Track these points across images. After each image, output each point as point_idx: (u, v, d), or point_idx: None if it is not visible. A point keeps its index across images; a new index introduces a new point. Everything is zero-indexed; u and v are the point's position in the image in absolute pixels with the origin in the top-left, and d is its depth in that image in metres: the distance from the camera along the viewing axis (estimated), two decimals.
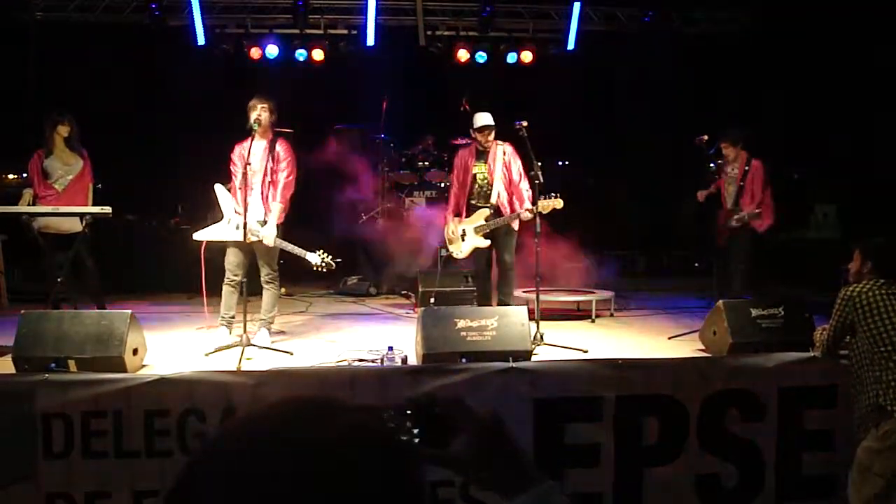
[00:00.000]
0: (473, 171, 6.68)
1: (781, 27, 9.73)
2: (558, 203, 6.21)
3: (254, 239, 5.79)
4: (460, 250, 6.79)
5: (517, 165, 6.54)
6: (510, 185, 6.56)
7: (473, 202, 6.71)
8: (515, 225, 6.54)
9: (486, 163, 6.62)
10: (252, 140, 5.80)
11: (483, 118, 6.59)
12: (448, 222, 6.88)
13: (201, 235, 6.07)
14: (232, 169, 5.99)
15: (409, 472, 0.81)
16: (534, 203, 6.15)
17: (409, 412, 1.07)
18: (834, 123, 9.33)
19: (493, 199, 6.56)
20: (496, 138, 6.61)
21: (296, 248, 5.95)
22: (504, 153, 6.58)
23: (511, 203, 6.54)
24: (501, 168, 6.52)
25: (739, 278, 6.93)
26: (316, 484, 0.73)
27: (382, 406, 0.99)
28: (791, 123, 9.83)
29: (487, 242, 6.57)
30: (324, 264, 5.91)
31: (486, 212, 6.59)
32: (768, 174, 6.94)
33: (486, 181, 6.64)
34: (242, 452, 0.76)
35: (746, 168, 6.92)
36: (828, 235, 9.27)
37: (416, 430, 1.06)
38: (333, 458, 0.75)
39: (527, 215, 6.31)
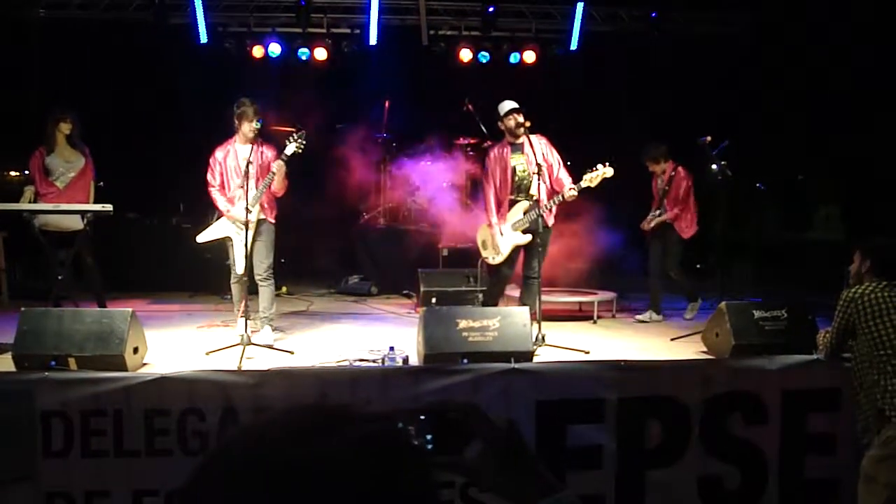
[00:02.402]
0: (513, 164, 6.21)
1: (784, 28, 9.70)
2: (608, 171, 5.85)
3: (260, 217, 5.85)
4: (498, 253, 6.26)
5: (556, 157, 6.17)
6: (552, 178, 6.11)
7: (513, 197, 6.26)
8: (550, 221, 6.15)
9: (523, 153, 6.16)
10: (235, 142, 5.96)
11: (508, 103, 6.19)
12: (492, 226, 6.28)
13: (204, 236, 6.07)
14: (217, 170, 6.01)
15: (423, 483, 0.79)
16: (577, 182, 5.90)
17: (422, 418, 1.05)
18: (835, 124, 9.30)
19: (534, 191, 6.03)
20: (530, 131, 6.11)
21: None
22: (541, 143, 6.14)
23: (551, 195, 6.10)
24: (541, 158, 5.95)
25: (679, 284, 7.37)
26: (328, 494, 0.72)
27: (395, 412, 0.97)
28: (793, 124, 9.79)
29: (528, 238, 6.08)
30: (301, 142, 5.76)
31: (525, 205, 6.15)
32: (692, 183, 7.22)
33: (526, 173, 6.16)
34: (254, 460, 0.75)
35: (672, 174, 7.21)
36: (831, 237, 9.23)
37: (429, 437, 1.04)
38: (346, 468, 0.74)
39: (572, 194, 5.91)
